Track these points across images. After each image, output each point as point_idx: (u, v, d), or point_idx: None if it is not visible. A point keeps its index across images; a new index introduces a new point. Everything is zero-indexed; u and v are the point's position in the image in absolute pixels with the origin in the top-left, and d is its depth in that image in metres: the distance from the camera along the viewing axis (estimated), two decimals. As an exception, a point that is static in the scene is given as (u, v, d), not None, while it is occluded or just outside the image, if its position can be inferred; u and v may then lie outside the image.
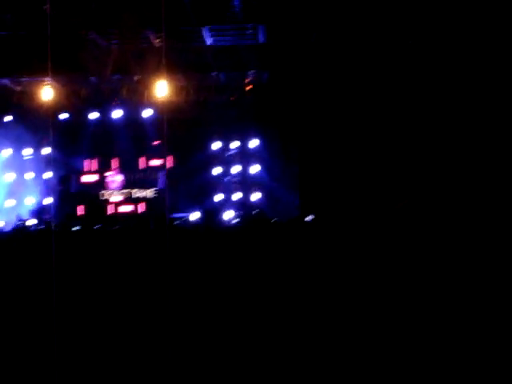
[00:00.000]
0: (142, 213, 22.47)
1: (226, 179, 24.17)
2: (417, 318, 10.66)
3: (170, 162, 23.68)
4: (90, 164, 24.03)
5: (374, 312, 10.95)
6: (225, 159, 24.30)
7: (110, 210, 22.48)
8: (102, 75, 21.39)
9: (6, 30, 18.24)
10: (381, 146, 20.41)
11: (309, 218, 16.12)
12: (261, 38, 19.22)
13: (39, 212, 22.91)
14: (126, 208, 22.62)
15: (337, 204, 19.45)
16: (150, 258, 12.36)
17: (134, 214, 22.39)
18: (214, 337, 10.82)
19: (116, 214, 22.36)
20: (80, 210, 22.41)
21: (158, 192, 22.80)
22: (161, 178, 23.87)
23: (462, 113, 18.24)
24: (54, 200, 23.16)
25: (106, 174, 23.50)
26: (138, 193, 22.69)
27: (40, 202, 23.71)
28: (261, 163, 23.78)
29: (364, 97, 20.58)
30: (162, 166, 23.96)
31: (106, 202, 22.64)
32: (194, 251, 12.84)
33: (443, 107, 18.73)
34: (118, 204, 22.62)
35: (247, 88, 21.51)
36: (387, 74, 19.78)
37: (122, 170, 23.81)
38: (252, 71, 21.17)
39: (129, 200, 22.70)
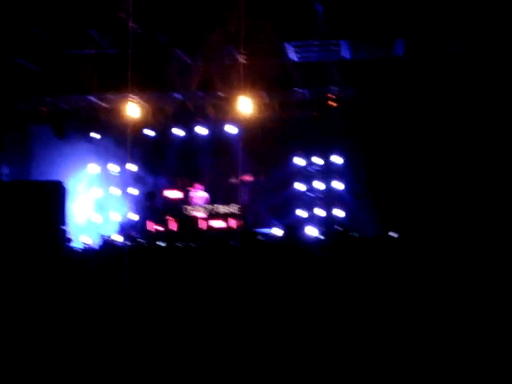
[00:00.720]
0: (225, 229, 22.50)
1: (309, 195, 24.13)
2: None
3: (253, 177, 23.77)
4: (176, 180, 24.23)
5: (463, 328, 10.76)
6: (308, 175, 24.27)
7: (195, 225, 22.58)
8: (186, 92, 21.59)
9: (93, 47, 18.53)
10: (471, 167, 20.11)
11: (394, 234, 15.92)
12: (345, 54, 19.12)
13: (125, 228, 23.20)
14: (210, 224, 22.69)
15: (420, 222, 19.22)
16: (234, 272, 12.34)
17: (217, 229, 22.44)
18: (295, 358, 10.75)
19: (200, 230, 22.44)
20: (172, 226, 22.53)
21: (242, 208, 22.82)
22: (244, 194, 23.93)
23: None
24: (141, 216, 23.43)
25: (190, 190, 23.62)
26: (221, 208, 22.75)
27: (126, 218, 24.01)
28: (344, 180, 23.69)
29: (453, 113, 20.31)
30: (246, 182, 24.05)
31: (191, 217, 22.71)
32: (277, 265, 12.80)
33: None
34: (201, 220, 22.70)
35: (332, 104, 21.41)
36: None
37: (206, 186, 23.96)
38: (337, 87, 21.06)
39: (212, 216, 22.75)
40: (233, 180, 24.04)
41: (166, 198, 23.98)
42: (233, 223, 22.53)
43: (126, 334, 11.26)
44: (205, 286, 12.42)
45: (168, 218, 22.58)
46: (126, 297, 11.90)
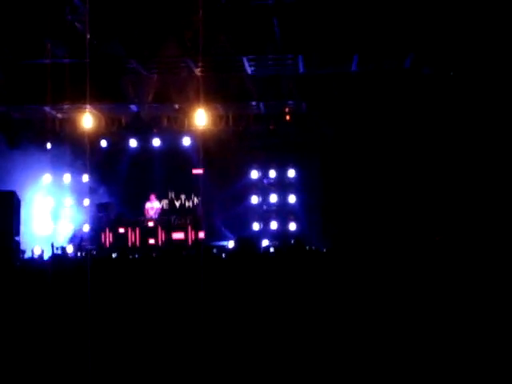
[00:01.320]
0: (180, 240, 22.46)
1: (263, 208, 24.19)
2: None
3: (207, 190, 23.78)
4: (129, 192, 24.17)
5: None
6: (263, 188, 24.33)
7: (149, 236, 22.49)
8: (142, 103, 21.59)
9: (47, 57, 18.44)
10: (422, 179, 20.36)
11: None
12: (300, 68, 19.27)
13: (78, 239, 23.06)
14: (164, 236, 22.63)
15: (370, 235, 19.38)
16: (185, 284, 12.34)
17: (171, 241, 22.39)
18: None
19: (154, 242, 22.38)
20: (111, 238, 22.41)
21: (196, 220, 22.81)
22: (198, 206, 23.95)
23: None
24: (92, 227, 23.29)
25: (146, 202, 23.55)
26: (176, 220, 22.72)
27: (79, 229, 23.86)
28: (298, 193, 23.79)
29: (404, 127, 20.54)
30: (200, 194, 24.06)
31: (144, 228, 22.61)
32: (229, 278, 12.81)
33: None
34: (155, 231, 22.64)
35: (286, 118, 21.55)
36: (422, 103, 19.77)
37: (160, 197, 23.91)
38: (291, 101, 21.20)
39: (166, 227, 22.70)
40: (187, 192, 24.05)
41: (120, 209, 23.90)
42: (187, 235, 22.51)
43: (84, 347, 11.19)
44: (158, 298, 12.40)
45: (121, 229, 22.47)
46: (78, 309, 11.83)
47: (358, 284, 11.87)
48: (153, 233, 22.45)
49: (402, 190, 20.86)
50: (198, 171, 23.18)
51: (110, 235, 22.46)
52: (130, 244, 22.19)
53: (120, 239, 22.29)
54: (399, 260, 12.78)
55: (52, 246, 20.03)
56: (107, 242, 22.37)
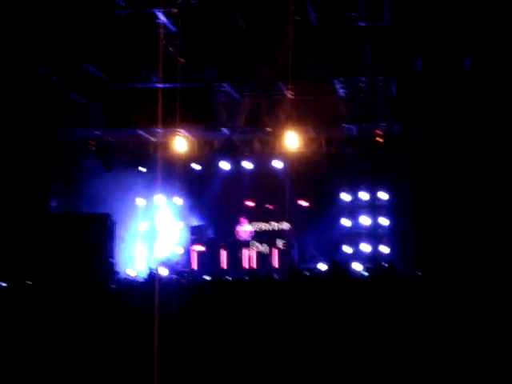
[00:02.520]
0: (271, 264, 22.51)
1: (354, 231, 24.05)
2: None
3: (298, 213, 23.77)
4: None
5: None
6: (354, 211, 24.20)
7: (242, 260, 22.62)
8: (234, 126, 21.71)
9: (142, 82, 18.76)
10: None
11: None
12: (393, 90, 19.14)
13: (171, 261, 23.27)
14: (256, 259, 22.71)
15: (468, 261, 18.99)
16: (279, 307, 12.32)
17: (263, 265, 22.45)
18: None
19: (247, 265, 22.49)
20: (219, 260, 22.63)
21: (288, 243, 22.80)
22: (290, 229, 23.91)
23: None
24: (187, 249, 23.49)
25: (238, 224, 23.69)
26: (267, 243, 22.78)
27: (172, 251, 24.10)
28: (390, 216, 23.58)
29: (498, 150, 20.10)
30: (292, 217, 24.03)
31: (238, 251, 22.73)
32: (323, 301, 12.76)
33: None
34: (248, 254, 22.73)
35: (379, 140, 21.37)
36: None
37: (251, 220, 23.99)
38: (383, 123, 21.04)
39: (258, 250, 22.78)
40: (278, 216, 24.03)
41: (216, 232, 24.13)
42: (279, 259, 22.54)
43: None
44: (251, 321, 12.42)
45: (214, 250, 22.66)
46: (173, 332, 11.93)
47: (458, 308, 11.67)
48: (246, 255, 22.59)
49: (496, 213, 20.38)
50: (303, 203, 23.33)
51: (204, 257, 22.65)
52: (224, 266, 22.34)
53: (214, 261, 22.47)
54: (497, 285, 12.53)
55: (148, 269, 20.26)
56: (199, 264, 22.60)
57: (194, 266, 22.65)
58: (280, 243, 22.82)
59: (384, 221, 23.65)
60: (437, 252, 20.81)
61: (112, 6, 15.74)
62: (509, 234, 19.39)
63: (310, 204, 23.78)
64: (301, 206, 23.55)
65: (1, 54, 16.90)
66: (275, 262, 22.47)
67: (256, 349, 11.85)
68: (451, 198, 21.32)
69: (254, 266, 22.36)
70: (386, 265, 19.03)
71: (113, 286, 16.76)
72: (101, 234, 19.07)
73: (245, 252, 22.64)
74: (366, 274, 19.81)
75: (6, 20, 15.88)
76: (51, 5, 15.55)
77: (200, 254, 22.78)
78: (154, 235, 24.60)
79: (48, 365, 11.77)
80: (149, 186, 24.03)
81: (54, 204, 22.08)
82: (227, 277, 18.52)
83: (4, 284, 16.47)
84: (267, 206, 24.25)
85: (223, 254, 22.56)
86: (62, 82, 18.63)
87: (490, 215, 20.14)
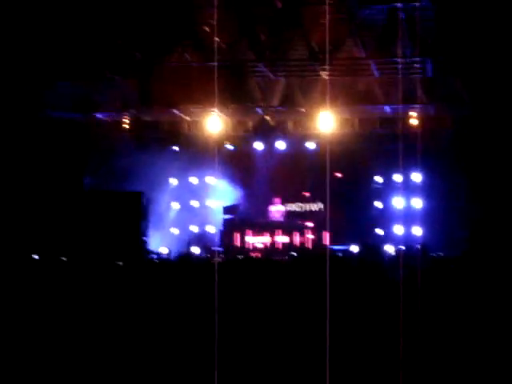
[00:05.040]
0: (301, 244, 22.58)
1: (388, 212, 23.96)
2: None
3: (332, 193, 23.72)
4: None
5: None
6: (387, 192, 24.10)
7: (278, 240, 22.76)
8: (268, 107, 21.68)
9: (177, 60, 18.76)
10: None
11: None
12: (428, 72, 19.01)
13: (203, 240, 23.35)
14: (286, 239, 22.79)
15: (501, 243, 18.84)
16: (309, 288, 12.30)
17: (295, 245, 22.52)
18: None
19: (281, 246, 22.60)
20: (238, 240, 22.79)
21: (321, 223, 22.81)
22: (322, 211, 23.89)
23: None
24: (219, 229, 23.58)
25: (270, 205, 23.75)
26: (301, 224, 22.84)
27: (205, 231, 24.20)
28: (425, 197, 23.43)
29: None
30: (323, 199, 24.01)
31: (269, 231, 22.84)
32: (352, 283, 12.71)
33: None
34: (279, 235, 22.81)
35: (413, 122, 21.23)
36: None
37: (285, 201, 24.00)
38: (419, 104, 20.90)
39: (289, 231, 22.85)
40: (312, 196, 24.03)
41: (245, 212, 24.18)
42: (310, 239, 22.59)
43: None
44: (283, 302, 12.42)
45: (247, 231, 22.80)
46: (203, 311, 11.95)
47: (492, 294, 11.58)
48: (279, 236, 22.68)
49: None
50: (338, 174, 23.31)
51: (237, 237, 22.75)
52: (253, 247, 22.45)
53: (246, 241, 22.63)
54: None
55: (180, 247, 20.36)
56: (233, 244, 22.70)
57: (227, 244, 22.74)
58: (312, 224, 22.85)
59: (417, 202, 23.48)
60: (472, 235, 20.71)
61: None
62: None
63: (344, 185, 23.69)
64: (334, 186, 23.48)
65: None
66: (308, 243, 22.50)
67: (291, 330, 11.83)
68: (487, 180, 21.17)
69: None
70: (419, 247, 18.95)
71: (146, 264, 16.84)
72: (134, 212, 19.14)
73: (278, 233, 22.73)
74: (398, 255, 19.72)
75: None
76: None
77: (233, 233, 22.88)
78: (186, 214, 24.67)
79: (72, 342, 11.85)
80: (182, 165, 24.06)
81: (88, 181, 22.20)
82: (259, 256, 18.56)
83: (36, 257, 16.64)
84: (300, 187, 24.20)
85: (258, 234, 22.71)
86: (99, 60, 18.68)
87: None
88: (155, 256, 19.96)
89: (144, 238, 19.06)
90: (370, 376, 10.53)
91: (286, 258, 18.56)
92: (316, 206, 24.00)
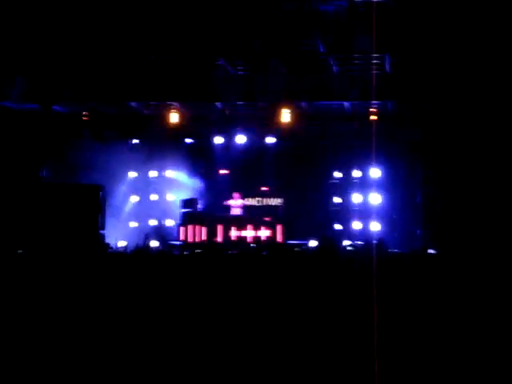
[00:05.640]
0: (260, 239, 22.63)
1: (346, 208, 24.11)
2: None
3: (290, 189, 23.83)
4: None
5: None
6: (345, 188, 24.24)
7: (234, 234, 22.76)
8: (227, 101, 21.69)
9: (136, 53, 18.65)
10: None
11: (431, 251, 15.81)
12: (387, 68, 19.12)
13: (162, 233, 23.34)
14: (247, 234, 22.82)
15: (460, 239, 19.04)
16: (266, 282, 12.32)
17: (252, 239, 22.57)
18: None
19: (238, 239, 22.60)
20: (203, 235, 22.75)
21: (277, 219, 22.91)
22: (280, 206, 23.99)
23: None
24: (177, 222, 23.57)
25: (229, 199, 23.79)
26: (259, 218, 22.90)
27: (163, 224, 24.18)
28: (382, 193, 23.60)
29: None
30: (282, 194, 24.11)
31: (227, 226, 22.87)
32: (310, 276, 12.75)
33: None
34: (237, 229, 22.84)
35: (371, 117, 21.36)
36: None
37: (243, 195, 24.05)
38: (377, 101, 21.02)
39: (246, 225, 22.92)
40: (269, 191, 24.13)
41: (203, 206, 24.19)
42: (268, 234, 22.65)
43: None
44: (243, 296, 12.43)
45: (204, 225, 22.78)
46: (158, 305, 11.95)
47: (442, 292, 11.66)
48: (237, 229, 22.70)
49: (489, 189, 20.37)
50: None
51: (194, 231, 22.73)
52: (215, 240, 22.48)
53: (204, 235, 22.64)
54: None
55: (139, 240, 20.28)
56: (190, 238, 22.67)
57: (184, 238, 22.74)
58: (270, 219, 22.94)
59: (375, 198, 23.63)
60: (430, 230, 20.91)
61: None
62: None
63: (302, 180, 23.77)
64: (291, 181, 23.58)
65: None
66: (265, 238, 22.56)
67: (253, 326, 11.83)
68: (446, 175, 21.37)
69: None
70: (375, 242, 19.06)
71: (102, 257, 16.76)
72: (92, 206, 19.03)
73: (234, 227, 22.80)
74: (351, 248, 19.85)
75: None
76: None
77: (191, 227, 22.86)
78: (145, 208, 24.64)
79: (24, 339, 11.76)
80: (142, 158, 24.03)
81: (45, 174, 22.05)
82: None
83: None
84: (259, 181, 24.27)
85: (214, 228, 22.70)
86: (59, 50, 18.52)
87: (485, 193, 20.20)
88: (113, 249, 19.91)
89: (102, 232, 18.97)
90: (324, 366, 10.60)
91: (241, 251, 18.58)
92: (275, 201, 24.09)
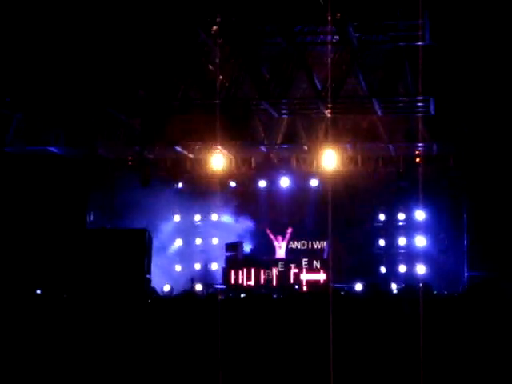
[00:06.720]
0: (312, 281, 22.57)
1: (391, 251, 23.95)
2: None
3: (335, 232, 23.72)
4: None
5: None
6: (390, 231, 24.09)
7: (279, 278, 22.68)
8: (271, 144, 21.76)
9: (180, 99, 18.83)
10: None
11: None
12: (431, 110, 19.08)
13: (206, 277, 23.32)
14: (292, 277, 22.75)
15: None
16: (311, 325, 12.26)
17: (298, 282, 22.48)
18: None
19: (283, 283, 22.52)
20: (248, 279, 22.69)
21: (322, 262, 22.80)
22: (326, 248, 23.86)
23: None
24: (222, 266, 23.52)
25: (275, 242, 23.73)
26: (305, 262, 22.80)
27: (207, 268, 24.18)
28: (427, 235, 23.41)
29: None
30: (326, 236, 23.99)
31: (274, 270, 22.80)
32: (358, 320, 12.67)
33: None
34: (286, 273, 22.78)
35: (416, 159, 21.30)
36: None
37: (288, 238, 23.96)
38: (421, 143, 20.98)
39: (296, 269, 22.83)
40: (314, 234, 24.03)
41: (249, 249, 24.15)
42: (316, 278, 22.54)
43: None
44: (280, 335, 12.37)
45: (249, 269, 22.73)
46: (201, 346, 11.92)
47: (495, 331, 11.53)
48: (283, 274, 22.61)
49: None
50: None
51: (238, 274, 22.67)
52: (260, 283, 22.41)
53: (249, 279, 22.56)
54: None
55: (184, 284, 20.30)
56: (235, 281, 22.61)
57: (228, 281, 22.69)
58: (315, 262, 22.85)
59: (420, 241, 23.42)
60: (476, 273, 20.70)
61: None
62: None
63: (347, 224, 23.65)
64: (337, 225, 23.49)
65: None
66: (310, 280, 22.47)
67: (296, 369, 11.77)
68: (492, 218, 21.17)
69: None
70: (421, 285, 18.92)
71: (148, 302, 16.77)
72: (138, 250, 19.06)
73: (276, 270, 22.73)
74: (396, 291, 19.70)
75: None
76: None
77: (235, 271, 22.82)
78: (189, 251, 24.66)
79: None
80: (185, 202, 24.10)
81: (91, 219, 22.17)
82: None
83: (39, 292, 16.70)
84: (303, 224, 24.18)
85: (259, 272, 22.63)
86: (104, 98, 18.74)
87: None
88: (158, 293, 19.93)
89: (147, 276, 18.98)
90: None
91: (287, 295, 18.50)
92: (319, 244, 23.97)
